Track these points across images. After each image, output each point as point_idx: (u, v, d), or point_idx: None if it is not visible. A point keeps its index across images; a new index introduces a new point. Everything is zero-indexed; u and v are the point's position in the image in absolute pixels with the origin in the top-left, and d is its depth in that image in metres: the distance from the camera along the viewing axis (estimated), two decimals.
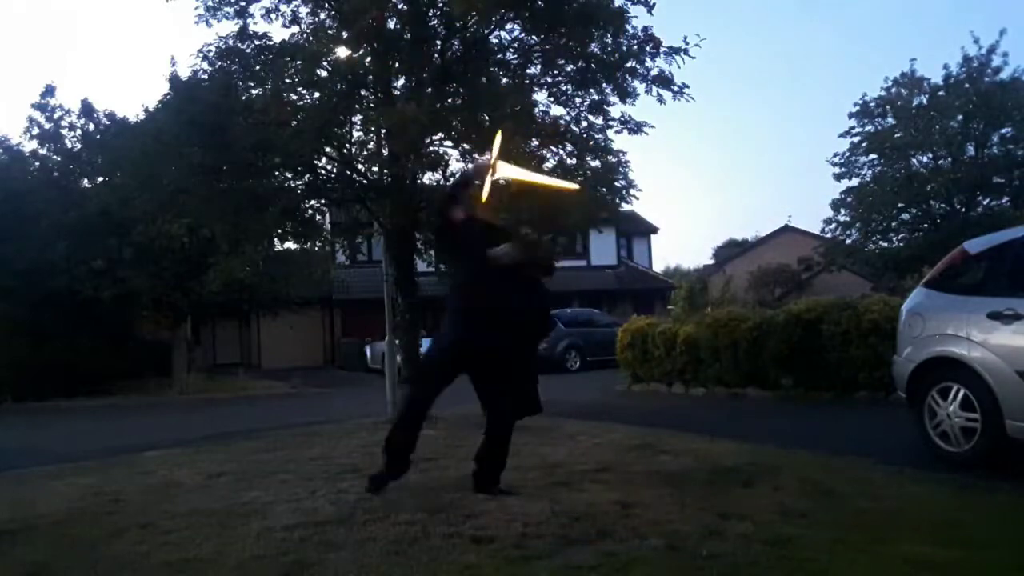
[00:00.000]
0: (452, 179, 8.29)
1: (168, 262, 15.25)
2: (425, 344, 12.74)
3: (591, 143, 8.54)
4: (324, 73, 8.13)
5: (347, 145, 8.82)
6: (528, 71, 8.67)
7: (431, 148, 8.48)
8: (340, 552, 3.29)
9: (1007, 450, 4.57)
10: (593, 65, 8.13)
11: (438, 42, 8.23)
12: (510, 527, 3.53)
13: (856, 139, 24.69)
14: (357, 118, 8.63)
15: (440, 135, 8.41)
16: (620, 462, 5.11)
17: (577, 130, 8.56)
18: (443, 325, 4.51)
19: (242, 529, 3.73)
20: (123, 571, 3.26)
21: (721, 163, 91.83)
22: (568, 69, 8.41)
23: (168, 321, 18.32)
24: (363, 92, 8.46)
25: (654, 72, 8.14)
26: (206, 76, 8.32)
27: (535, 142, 8.54)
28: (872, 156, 24.48)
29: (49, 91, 18.02)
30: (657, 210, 43.02)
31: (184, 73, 8.59)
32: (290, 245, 12.04)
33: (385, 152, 8.45)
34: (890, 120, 24.08)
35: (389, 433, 4.38)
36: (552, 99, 8.67)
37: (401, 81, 8.44)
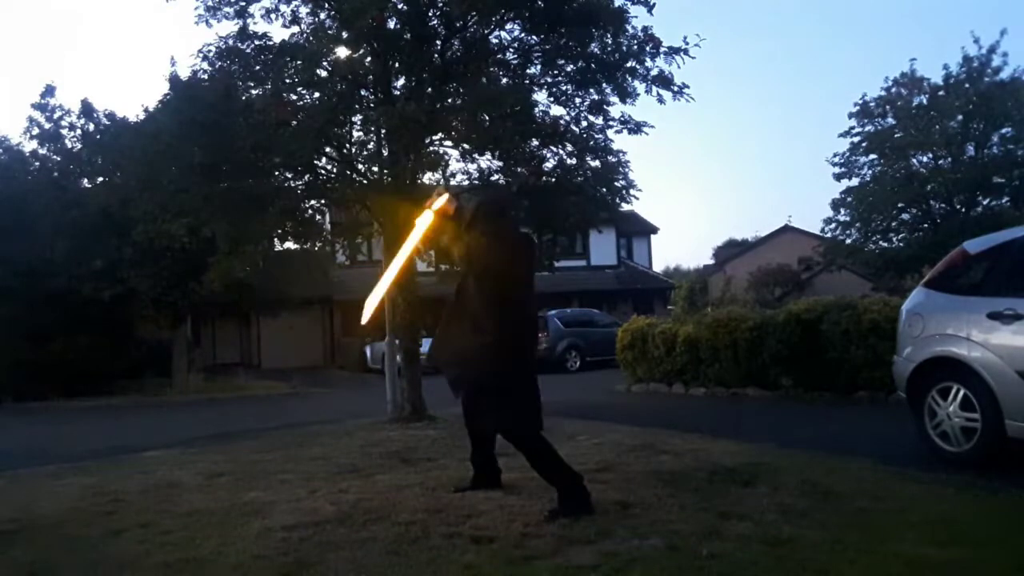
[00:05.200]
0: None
1: (168, 262, 15.20)
2: (426, 344, 12.74)
3: (591, 143, 8.54)
4: (324, 73, 8.13)
5: (347, 145, 8.82)
6: (528, 71, 8.67)
7: (431, 148, 8.48)
8: (340, 552, 3.29)
9: (1007, 450, 4.57)
10: (593, 65, 8.13)
11: (438, 42, 8.23)
12: (510, 527, 3.53)
13: (856, 139, 24.64)
14: (357, 118, 8.63)
15: (440, 135, 8.41)
16: (620, 462, 5.11)
17: (577, 130, 8.56)
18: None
19: (242, 529, 3.74)
20: (123, 571, 3.26)
21: (721, 163, 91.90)
22: (568, 69, 8.41)
23: (168, 321, 18.28)
24: (363, 92, 8.46)
25: (654, 72, 8.15)
26: (206, 76, 8.31)
27: (535, 142, 8.55)
28: (872, 156, 24.43)
29: (49, 91, 18.00)
30: (657, 210, 43.09)
31: (184, 73, 8.61)
32: (290, 245, 12.01)
33: (385, 152, 8.45)
34: (890, 120, 24.03)
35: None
36: (552, 99, 8.68)
37: (401, 81, 8.44)
